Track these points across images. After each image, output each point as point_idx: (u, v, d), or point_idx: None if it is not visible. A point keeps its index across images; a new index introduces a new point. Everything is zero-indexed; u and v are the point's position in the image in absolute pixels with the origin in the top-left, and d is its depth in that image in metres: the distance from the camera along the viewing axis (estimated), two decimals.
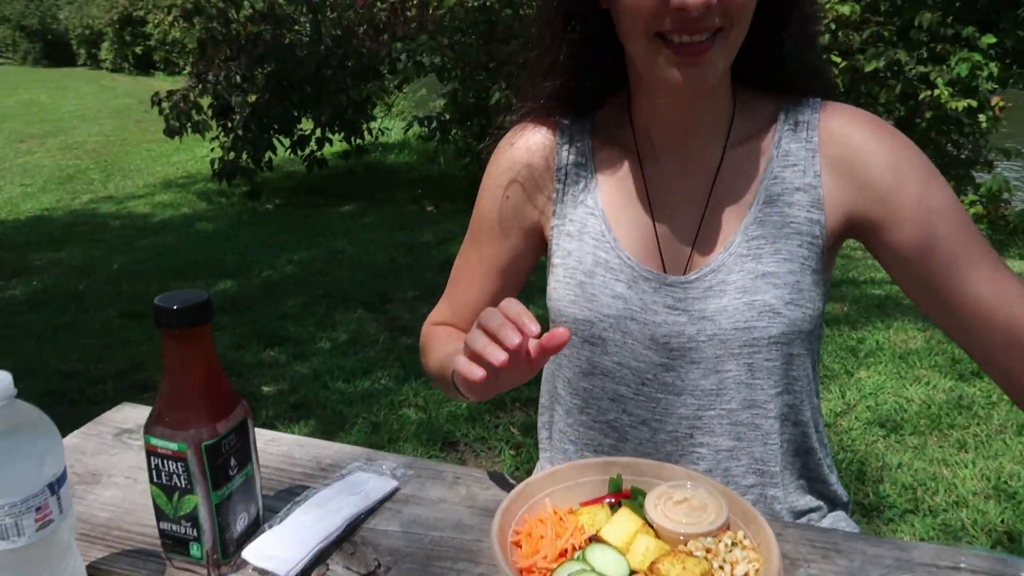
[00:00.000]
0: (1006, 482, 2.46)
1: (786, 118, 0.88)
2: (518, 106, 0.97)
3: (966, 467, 2.54)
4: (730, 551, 0.69)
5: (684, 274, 0.86)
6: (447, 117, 6.62)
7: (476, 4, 6.58)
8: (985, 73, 5.94)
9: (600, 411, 0.91)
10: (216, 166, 6.56)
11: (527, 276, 1.03)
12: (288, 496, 0.87)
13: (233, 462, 0.72)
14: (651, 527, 0.72)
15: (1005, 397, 2.99)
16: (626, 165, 0.91)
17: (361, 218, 6.03)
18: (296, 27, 7.03)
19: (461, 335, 0.99)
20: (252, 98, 6.57)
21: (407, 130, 7.78)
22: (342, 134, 7.02)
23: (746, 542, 0.70)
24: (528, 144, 0.95)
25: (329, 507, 0.81)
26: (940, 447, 2.68)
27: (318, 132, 6.85)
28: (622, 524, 0.72)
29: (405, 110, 10.92)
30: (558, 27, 0.87)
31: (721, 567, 0.68)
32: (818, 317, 0.86)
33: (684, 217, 0.89)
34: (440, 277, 4.30)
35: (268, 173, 6.83)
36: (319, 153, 6.90)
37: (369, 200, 6.71)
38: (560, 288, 0.91)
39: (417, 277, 4.50)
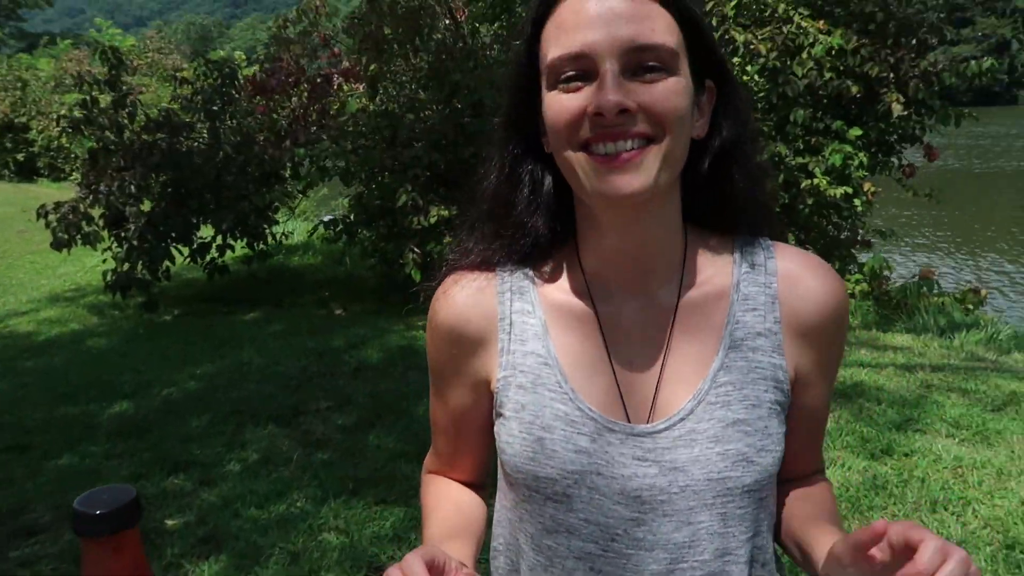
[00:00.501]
0: None
1: (741, 259, 0.88)
2: (458, 251, 0.95)
3: None
4: None
5: (649, 422, 0.84)
6: (352, 218, 6.59)
7: (378, 109, 6.70)
8: (856, 162, 6.45)
9: (566, 570, 0.86)
10: (109, 278, 6.26)
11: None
12: None
13: None
14: None
15: (916, 474, 3.11)
16: (578, 310, 0.88)
17: (267, 325, 5.85)
18: (194, 134, 6.94)
19: (450, 497, 1.00)
20: (147, 207, 6.38)
21: (312, 232, 7.69)
22: (245, 240, 6.87)
23: None
24: (467, 294, 0.91)
25: None
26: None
27: (219, 239, 6.68)
28: None
29: (308, 210, 10.87)
30: (506, 161, 0.87)
31: None
32: (782, 455, 0.86)
33: (645, 362, 0.86)
34: (354, 383, 4.19)
35: (165, 283, 6.57)
36: (220, 260, 6.71)
37: (275, 305, 6.53)
38: (516, 444, 0.86)
39: (330, 386, 4.36)
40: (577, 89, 0.75)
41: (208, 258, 6.68)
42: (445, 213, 5.70)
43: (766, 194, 0.90)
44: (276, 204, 6.87)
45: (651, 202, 0.78)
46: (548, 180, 0.86)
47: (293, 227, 9.01)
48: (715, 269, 0.87)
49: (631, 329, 0.86)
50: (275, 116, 7.23)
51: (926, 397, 3.95)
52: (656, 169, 0.75)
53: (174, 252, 6.45)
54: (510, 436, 0.87)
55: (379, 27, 6.38)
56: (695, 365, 0.84)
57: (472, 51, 6.46)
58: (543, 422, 0.84)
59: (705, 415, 0.82)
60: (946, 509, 2.88)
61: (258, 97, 7.50)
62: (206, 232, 6.74)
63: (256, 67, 8.28)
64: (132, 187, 6.26)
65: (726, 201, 0.86)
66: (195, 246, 6.63)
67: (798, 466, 0.93)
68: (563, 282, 0.89)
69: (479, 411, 0.94)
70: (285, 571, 2.60)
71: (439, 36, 6.72)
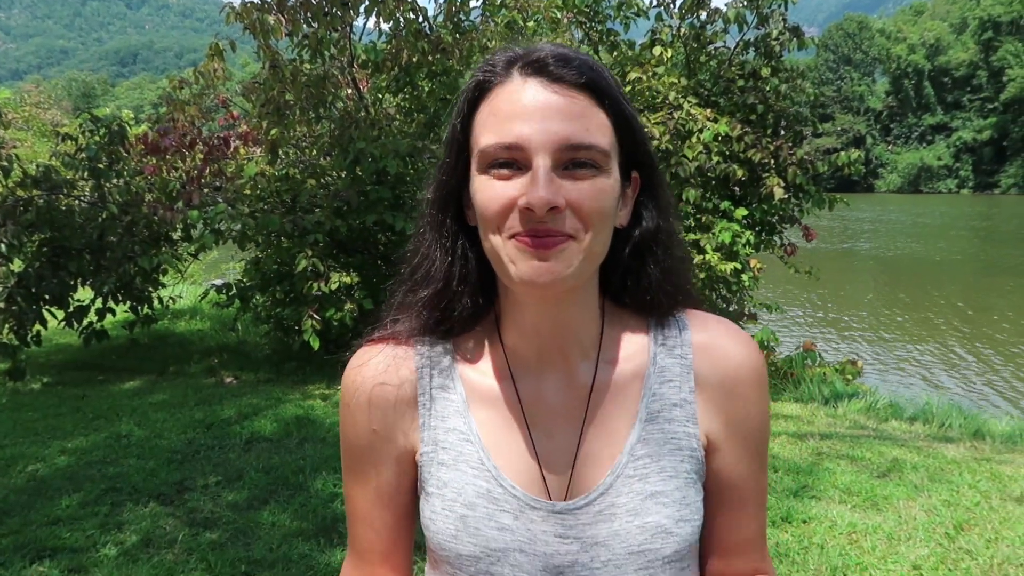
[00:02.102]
0: None
1: (657, 333, 0.90)
2: (384, 323, 0.93)
3: None
4: None
5: (568, 498, 0.85)
6: (246, 283, 6.35)
7: (278, 174, 6.58)
8: (743, 240, 6.82)
9: None
10: None
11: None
12: None
13: None
14: None
15: (815, 541, 3.19)
16: (498, 387, 0.88)
17: (150, 395, 5.47)
18: (75, 192, 6.56)
19: None
20: (19, 267, 5.93)
21: (202, 297, 7.35)
22: (127, 304, 6.47)
23: None
24: (384, 367, 0.90)
25: None
26: None
27: (99, 302, 6.26)
28: None
29: (196, 274, 10.42)
30: (432, 237, 0.87)
31: None
32: (701, 523, 0.88)
33: (564, 438, 0.87)
34: (245, 456, 3.97)
35: (35, 348, 6.07)
36: (99, 324, 6.28)
37: (159, 374, 6.14)
38: (439, 520, 0.86)
39: (219, 459, 4.08)
40: (508, 177, 0.76)
41: (85, 322, 6.24)
42: (347, 280, 5.58)
43: (684, 279, 0.91)
44: (164, 267, 6.52)
45: (571, 290, 0.80)
46: (473, 253, 0.86)
47: (181, 291, 8.58)
48: (632, 345, 0.89)
49: (550, 405, 0.87)
50: (167, 177, 6.95)
51: (818, 464, 4.10)
52: (578, 262, 0.77)
53: (47, 315, 5.99)
54: (433, 513, 0.87)
55: (281, 93, 6.31)
56: (613, 439, 0.86)
57: (376, 121, 6.48)
58: (466, 499, 0.85)
59: (624, 488, 0.84)
60: (845, 575, 2.95)
61: (148, 157, 7.22)
62: (84, 295, 6.31)
63: (145, 126, 7.99)
64: (2, 246, 5.81)
65: (643, 286, 0.87)
66: (71, 309, 6.18)
67: (732, 557, 0.90)
68: (483, 358, 0.90)
69: (406, 488, 0.91)
70: None
71: (342, 105, 6.71)
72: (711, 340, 0.89)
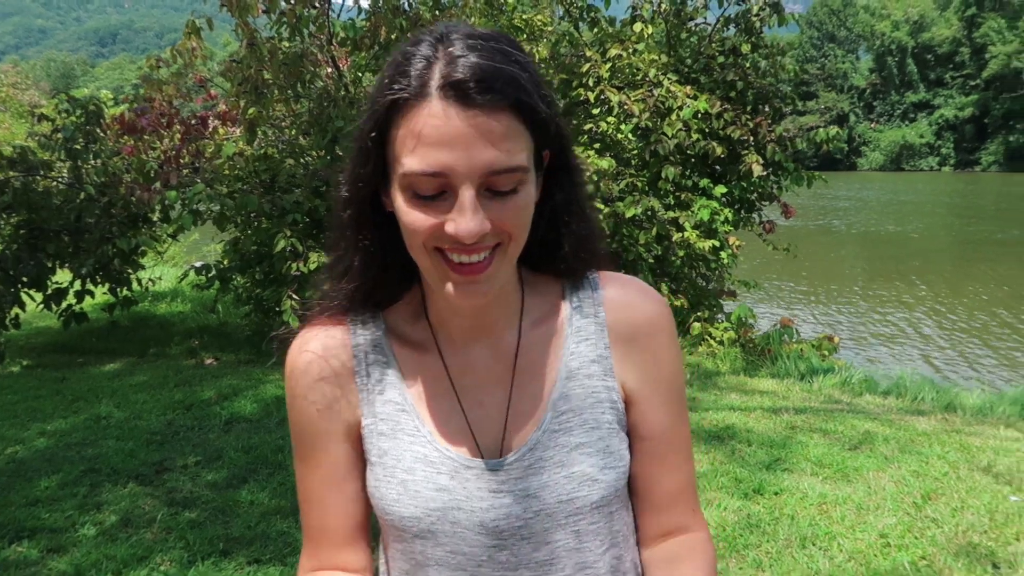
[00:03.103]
0: None
1: (571, 296, 0.96)
2: (313, 308, 0.96)
3: None
4: None
5: (501, 456, 0.90)
6: (226, 264, 6.33)
7: (257, 153, 6.53)
8: (722, 217, 6.86)
9: None
10: None
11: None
12: None
13: None
14: None
15: (786, 512, 3.25)
16: (427, 359, 0.93)
17: (130, 377, 5.46)
18: (53, 173, 6.49)
19: None
20: None
21: (182, 279, 7.31)
22: (107, 286, 6.43)
23: None
24: (322, 348, 0.94)
25: None
26: (740, 568, 2.82)
27: (77, 284, 6.22)
28: None
29: (177, 256, 10.35)
30: (351, 233, 0.89)
31: None
32: (628, 469, 0.94)
33: (493, 402, 0.92)
34: (225, 437, 3.98)
35: (14, 331, 6.04)
36: (78, 307, 6.25)
37: (139, 356, 6.13)
38: (381, 487, 0.91)
39: (199, 440, 4.10)
40: (432, 201, 0.77)
41: (64, 305, 6.20)
42: (326, 260, 5.57)
43: (597, 243, 0.96)
44: (143, 248, 6.48)
45: None
46: (392, 233, 0.87)
47: (161, 273, 8.53)
48: (551, 309, 0.95)
49: (478, 375, 0.92)
50: (144, 157, 6.89)
51: (791, 438, 4.17)
52: (503, 273, 0.82)
53: (25, 298, 5.95)
54: (376, 481, 0.91)
55: (259, 71, 6.25)
56: (539, 398, 0.91)
57: (355, 99, 6.43)
58: (405, 465, 0.89)
59: (550, 443, 0.89)
60: (814, 544, 3.02)
61: (126, 137, 7.14)
62: (63, 277, 6.27)
63: (124, 106, 7.90)
64: None
65: (560, 256, 0.92)
66: (50, 292, 6.14)
67: (661, 513, 0.95)
68: (412, 331, 0.94)
69: (357, 466, 0.94)
70: None
71: (321, 83, 6.66)
72: (621, 297, 0.95)
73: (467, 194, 0.76)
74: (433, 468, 0.89)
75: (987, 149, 71.50)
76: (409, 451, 0.90)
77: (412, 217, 0.79)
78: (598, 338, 0.94)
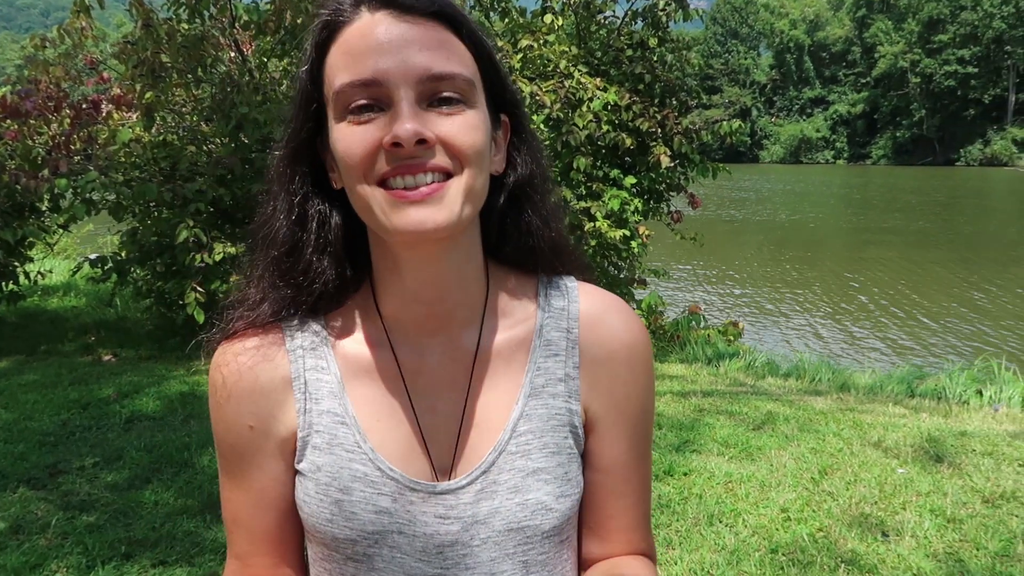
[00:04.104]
0: (709, 572, 2.72)
1: (545, 302, 0.87)
2: (241, 304, 0.86)
3: (675, 564, 2.77)
4: None
5: (452, 476, 0.82)
6: (124, 256, 6.04)
7: (155, 140, 6.25)
8: (632, 207, 7.01)
9: None
10: None
11: None
12: None
13: None
14: None
15: (694, 491, 3.36)
16: (377, 359, 0.84)
17: (18, 376, 5.14)
18: None
19: None
20: None
21: (75, 272, 6.92)
22: None
23: None
24: (256, 358, 0.84)
25: None
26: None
27: None
28: None
29: (69, 248, 9.81)
30: (291, 213, 0.79)
31: None
32: (581, 496, 0.87)
33: (446, 408, 0.84)
34: (125, 436, 3.80)
35: None
36: None
37: (28, 354, 5.77)
38: (312, 504, 0.82)
39: (97, 440, 3.90)
40: (369, 120, 0.70)
41: None
42: (232, 250, 5.39)
43: (561, 233, 0.88)
44: (30, 240, 6.10)
45: (452, 238, 0.75)
46: (336, 219, 0.80)
47: (51, 266, 8.06)
48: (519, 312, 0.86)
49: (433, 374, 0.83)
50: (30, 143, 6.48)
51: (699, 420, 4.31)
52: (459, 204, 0.72)
53: None
54: (307, 495, 0.82)
55: (156, 54, 5.97)
56: (497, 412, 0.83)
57: (260, 85, 6.23)
58: (341, 484, 0.81)
59: (505, 466, 0.81)
60: (720, 521, 3.14)
61: (9, 121, 6.70)
62: None
63: (5, 89, 7.40)
64: None
65: (524, 238, 0.84)
66: None
67: (609, 541, 0.88)
68: (359, 330, 0.84)
69: (292, 482, 0.85)
70: None
71: (224, 68, 6.42)
72: (598, 315, 0.87)
73: (404, 97, 0.69)
74: (373, 488, 0.81)
75: (877, 144, 75.71)
76: (347, 468, 0.81)
77: (347, 141, 0.71)
78: (568, 356, 0.85)
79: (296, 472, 0.84)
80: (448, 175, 0.72)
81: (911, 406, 4.98)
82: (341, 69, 0.71)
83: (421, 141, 0.69)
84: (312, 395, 0.83)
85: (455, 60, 0.72)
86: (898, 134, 73.80)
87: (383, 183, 0.71)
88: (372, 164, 0.70)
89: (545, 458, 0.82)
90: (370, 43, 0.71)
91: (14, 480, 3.41)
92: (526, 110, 0.85)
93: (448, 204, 0.71)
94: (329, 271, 0.80)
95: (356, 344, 0.84)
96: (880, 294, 11.81)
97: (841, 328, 9.84)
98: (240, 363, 0.83)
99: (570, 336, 0.85)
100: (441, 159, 0.71)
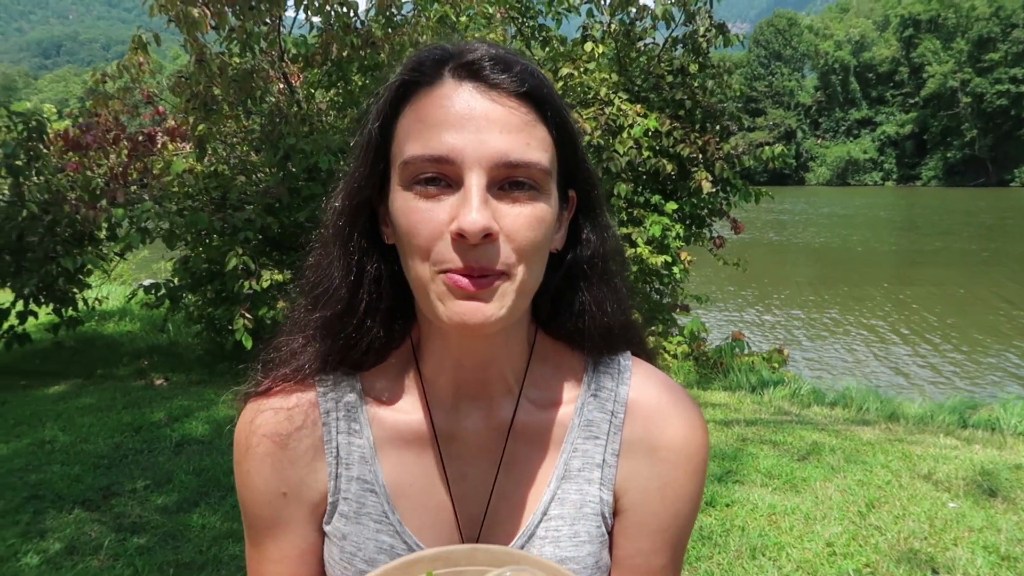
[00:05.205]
0: None
1: (590, 380, 0.82)
2: (281, 353, 0.83)
3: None
4: None
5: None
6: (176, 283, 6.23)
7: (207, 170, 6.45)
8: (673, 233, 6.99)
9: None
10: None
11: None
12: None
13: None
14: None
15: (736, 523, 3.32)
16: (413, 423, 0.81)
17: (76, 399, 5.31)
18: None
19: None
20: None
21: (130, 298, 7.15)
22: (51, 306, 6.26)
23: None
24: (286, 424, 0.80)
25: None
26: None
27: (20, 305, 6.05)
28: None
29: (125, 274, 10.13)
30: (338, 251, 0.77)
31: None
32: None
33: (477, 480, 0.81)
34: (175, 460, 3.90)
35: None
36: (20, 328, 6.07)
37: (85, 378, 5.96)
38: (337, 569, 0.81)
39: (148, 463, 4.01)
40: (435, 196, 0.67)
41: (6, 326, 6.02)
42: (279, 277, 5.54)
43: (625, 313, 0.83)
44: (89, 267, 6.33)
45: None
46: (386, 277, 0.77)
47: (108, 292, 8.33)
48: (560, 387, 0.82)
49: (467, 441, 0.80)
50: (90, 174, 6.74)
51: (742, 450, 4.26)
52: (511, 300, 0.69)
53: None
54: (331, 559, 0.81)
55: (208, 87, 6.19)
56: (528, 490, 0.80)
57: (307, 116, 6.41)
58: (366, 555, 0.79)
59: (534, 551, 0.78)
60: (763, 555, 3.09)
61: (71, 153, 6.99)
62: (4, 297, 6.09)
63: (68, 122, 7.73)
64: None
65: (574, 318, 0.80)
66: None
67: None
68: (397, 392, 0.82)
69: (322, 545, 0.83)
70: None
71: (273, 100, 6.62)
72: (649, 405, 0.81)
73: (475, 182, 0.66)
74: None
75: (927, 164, 74.09)
76: (373, 540, 0.79)
77: (411, 218, 0.68)
78: (608, 441, 0.80)
79: (324, 536, 0.82)
80: (505, 272, 0.68)
81: (963, 437, 4.84)
82: (413, 137, 0.68)
83: (487, 235, 0.66)
84: (343, 460, 0.80)
85: (535, 146, 0.68)
86: (949, 155, 72.15)
87: (442, 272, 0.68)
88: (434, 246, 0.67)
89: (575, 547, 0.79)
90: (448, 115, 0.67)
91: (70, 502, 3.53)
92: (600, 191, 0.80)
93: (500, 299, 0.68)
94: (378, 330, 0.78)
95: (392, 406, 0.81)
96: (931, 320, 11.52)
97: (889, 356, 9.61)
98: (268, 424, 0.80)
99: (614, 420, 0.80)
100: (503, 257, 0.67)
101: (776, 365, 6.51)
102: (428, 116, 0.68)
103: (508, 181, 0.67)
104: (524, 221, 0.67)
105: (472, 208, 0.65)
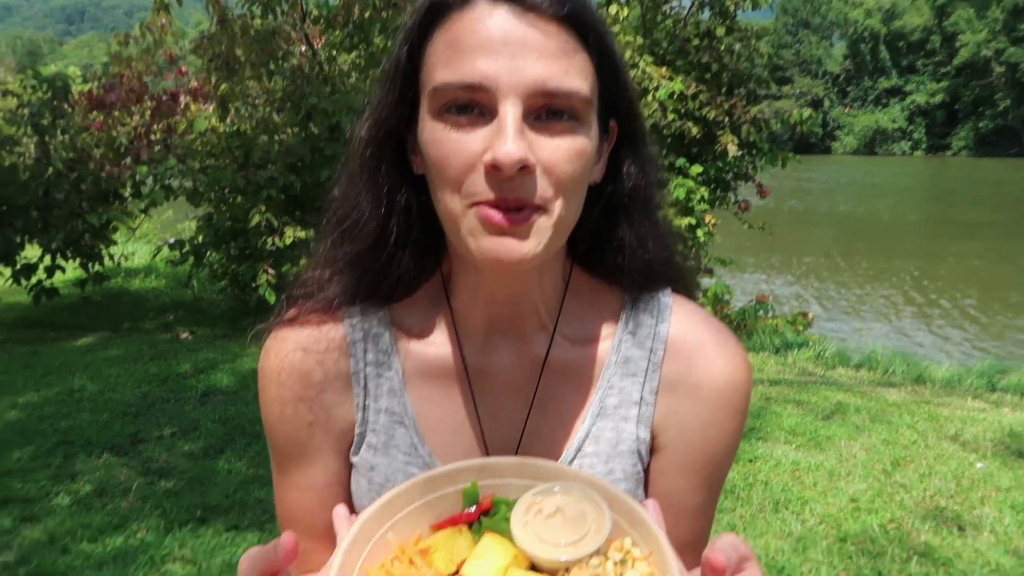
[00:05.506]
0: (773, 558, 2.67)
1: (628, 317, 0.79)
2: (308, 285, 0.80)
3: None
4: (620, 574, 0.58)
5: None
6: (200, 240, 6.27)
7: (229, 130, 6.45)
8: (698, 196, 6.91)
9: None
10: None
11: None
12: None
13: None
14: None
15: (759, 478, 3.31)
16: (443, 356, 0.78)
17: (103, 351, 5.39)
18: (19, 148, 6.36)
19: None
20: None
21: (155, 254, 7.22)
22: (77, 260, 6.34)
23: (636, 552, 0.60)
24: (312, 352, 0.78)
25: None
26: (714, 532, 2.87)
27: (47, 260, 6.12)
28: (488, 558, 0.59)
29: (150, 233, 10.22)
30: (366, 182, 0.73)
31: None
32: None
33: (509, 417, 0.78)
34: (201, 409, 3.95)
35: None
36: (48, 282, 6.15)
37: (112, 331, 6.04)
38: (364, 500, 0.79)
39: (175, 412, 4.07)
40: (467, 125, 0.63)
41: (34, 280, 6.10)
42: (301, 234, 5.55)
43: (666, 249, 0.79)
44: (114, 224, 6.39)
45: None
46: (416, 208, 0.74)
47: (134, 249, 8.42)
48: (596, 324, 0.79)
49: (498, 377, 0.78)
50: (114, 133, 6.77)
51: (766, 408, 4.23)
52: (547, 236, 0.65)
53: None
54: (359, 490, 0.80)
55: (230, 48, 6.17)
56: (561, 428, 0.77)
57: (329, 77, 6.38)
58: (394, 486, 0.74)
59: None
60: (787, 508, 3.08)
61: (95, 113, 7.02)
62: (32, 252, 6.17)
63: (93, 83, 7.75)
64: None
65: (613, 255, 0.76)
66: (18, 267, 6.04)
67: None
68: (427, 325, 0.79)
69: (349, 475, 0.81)
70: None
71: (295, 61, 6.59)
72: (690, 342, 0.78)
73: (510, 111, 0.62)
74: None
75: (957, 134, 72.50)
76: (402, 471, 0.77)
77: (442, 149, 0.64)
78: (646, 378, 0.77)
79: (351, 467, 0.81)
80: (542, 207, 0.65)
81: (992, 400, 4.78)
82: (444, 63, 0.64)
83: (523, 167, 0.62)
84: (371, 392, 0.78)
85: (574, 74, 0.64)
86: (980, 124, 70.51)
87: (474, 205, 0.65)
88: (465, 178, 0.64)
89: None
90: (481, 40, 0.63)
91: (99, 447, 3.59)
92: (643, 122, 0.76)
93: (536, 236, 0.65)
94: (408, 262, 0.75)
95: (422, 340, 0.79)
96: (959, 289, 11.35)
97: (915, 322, 9.49)
98: (296, 357, 0.78)
99: (652, 358, 0.77)
100: (540, 190, 0.64)
101: (800, 328, 6.45)
102: (460, 40, 0.64)
103: (545, 110, 0.63)
104: (562, 153, 0.64)
105: (507, 138, 0.61)
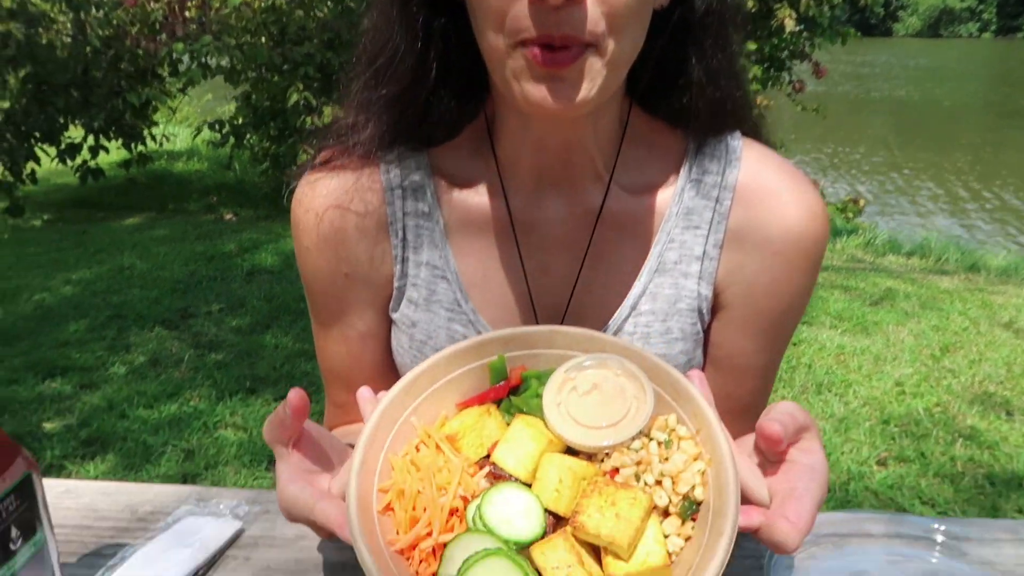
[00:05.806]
0: None
1: (693, 163, 0.72)
2: (340, 129, 0.75)
3: None
4: (666, 458, 0.53)
5: None
6: (240, 121, 6.21)
7: (265, 4, 6.25)
8: (750, 75, 6.57)
9: None
10: None
11: None
12: (97, 561, 0.68)
13: (15, 533, 0.56)
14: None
15: (803, 361, 3.28)
16: (487, 209, 0.72)
17: (150, 230, 5.48)
18: (55, 26, 6.27)
19: None
20: (5, 104, 5.76)
21: (196, 136, 7.21)
22: (120, 141, 6.36)
23: (681, 430, 0.55)
24: (345, 199, 0.73)
25: (156, 567, 0.65)
26: None
27: (90, 140, 6.15)
28: (520, 444, 0.55)
29: (191, 115, 10.19)
30: (402, 24, 0.66)
31: (659, 481, 0.52)
32: None
33: (559, 273, 0.73)
34: (247, 287, 4.00)
35: (32, 187, 6.02)
36: (93, 162, 6.20)
37: (158, 211, 6.13)
38: (406, 357, 0.77)
39: (222, 289, 4.14)
40: None
41: (79, 160, 6.16)
42: (341, 113, 5.45)
43: (740, 87, 0.71)
44: (154, 104, 6.36)
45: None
46: (456, 43, 0.67)
47: (176, 132, 8.42)
48: (656, 171, 0.72)
49: (548, 231, 0.72)
50: (148, 8, 6.62)
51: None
52: (601, 79, 0.59)
53: (40, 153, 5.90)
54: (400, 347, 0.77)
55: None
56: (616, 284, 0.72)
57: None
58: (437, 343, 0.74)
59: None
60: (830, 391, 3.06)
61: None
62: (75, 133, 6.19)
63: None
64: None
65: (679, 92, 0.68)
66: (63, 147, 6.08)
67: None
68: (470, 173, 0.73)
69: (388, 329, 0.79)
70: (179, 467, 2.49)
71: None
72: (762, 189, 0.70)
73: None
74: None
75: None
76: (444, 328, 0.74)
77: None
78: (711, 231, 0.71)
79: (392, 323, 0.78)
80: (596, 43, 0.57)
81: None
82: None
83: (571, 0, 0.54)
84: (410, 243, 0.74)
85: None
86: None
87: (518, 44, 0.58)
88: (509, 10, 0.57)
89: (666, 344, 0.72)
90: None
91: (150, 321, 3.69)
92: None
93: (588, 79, 0.58)
94: (449, 101, 0.69)
95: (464, 187, 0.73)
96: (1019, 180, 10.85)
97: (974, 214, 9.15)
98: (329, 203, 0.73)
99: (719, 208, 0.70)
100: (590, 26, 0.56)
101: (851, 215, 6.24)
102: None
103: None
104: None
105: None
